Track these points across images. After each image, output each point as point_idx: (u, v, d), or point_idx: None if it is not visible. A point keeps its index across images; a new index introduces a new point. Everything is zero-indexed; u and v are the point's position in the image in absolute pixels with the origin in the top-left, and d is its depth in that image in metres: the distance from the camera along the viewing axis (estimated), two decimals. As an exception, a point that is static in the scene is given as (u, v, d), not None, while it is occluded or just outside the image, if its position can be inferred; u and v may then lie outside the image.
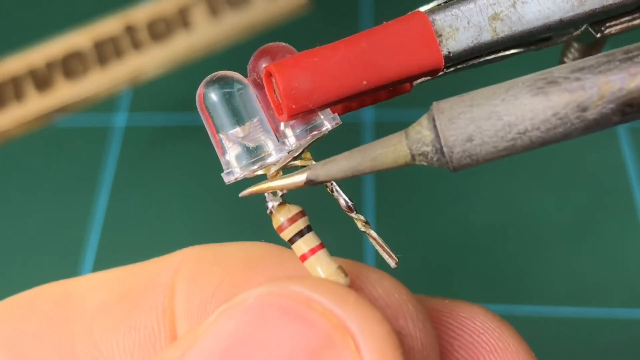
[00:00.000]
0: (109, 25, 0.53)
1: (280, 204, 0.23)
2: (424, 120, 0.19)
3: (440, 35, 0.21)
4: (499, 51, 0.22)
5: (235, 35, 0.52)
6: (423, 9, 0.21)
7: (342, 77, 0.21)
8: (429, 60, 0.21)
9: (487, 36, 0.21)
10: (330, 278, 0.22)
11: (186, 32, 0.52)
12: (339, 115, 0.22)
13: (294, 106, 0.21)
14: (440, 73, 0.22)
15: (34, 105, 0.50)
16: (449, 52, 0.21)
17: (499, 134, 0.18)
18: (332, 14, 0.51)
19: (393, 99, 0.24)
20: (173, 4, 0.53)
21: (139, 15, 0.53)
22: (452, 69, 0.21)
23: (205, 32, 0.52)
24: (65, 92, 0.50)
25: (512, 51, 0.22)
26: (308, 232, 0.23)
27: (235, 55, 0.50)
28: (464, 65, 0.22)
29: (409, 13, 0.21)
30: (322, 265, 0.22)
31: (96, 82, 0.51)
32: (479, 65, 0.22)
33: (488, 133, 0.18)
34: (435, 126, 0.18)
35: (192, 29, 0.52)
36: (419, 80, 0.22)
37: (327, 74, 0.21)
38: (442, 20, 0.21)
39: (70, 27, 0.52)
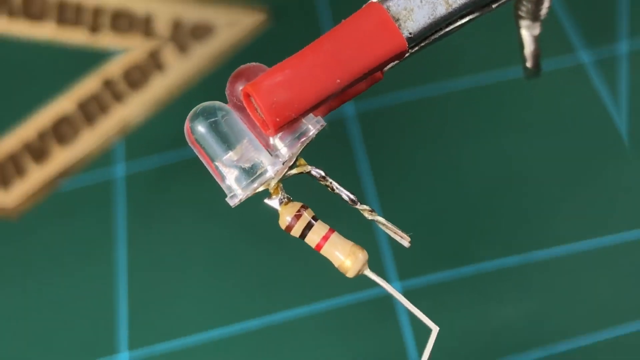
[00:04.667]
0: (88, 85, 0.53)
1: (284, 204, 0.24)
2: None
3: (397, 20, 0.21)
4: (457, 21, 0.22)
5: (208, 65, 0.52)
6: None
7: (315, 81, 0.22)
8: (392, 45, 0.22)
9: (441, 10, 0.22)
10: (349, 258, 0.22)
11: (161, 74, 0.52)
12: (322, 116, 0.23)
13: (277, 119, 0.22)
14: (407, 55, 0.22)
15: (36, 177, 0.50)
16: (410, 34, 0.21)
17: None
18: (293, 25, 0.52)
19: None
20: (143, 51, 0.53)
21: (113, 68, 0.53)
22: (416, 48, 0.22)
23: (179, 70, 0.52)
24: (62, 157, 0.50)
25: (468, 18, 0.22)
26: (315, 222, 0.23)
27: (213, 83, 0.51)
28: (427, 41, 0.22)
29: (364, 6, 0.21)
30: (338, 248, 0.23)
31: (89, 141, 0.51)
32: (441, 39, 0.22)
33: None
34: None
35: (166, 69, 0.53)
36: (389, 66, 0.22)
37: (302, 82, 0.22)
38: (396, 5, 0.21)
39: (52, 95, 0.52)
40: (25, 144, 0.51)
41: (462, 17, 0.22)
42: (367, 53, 0.21)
